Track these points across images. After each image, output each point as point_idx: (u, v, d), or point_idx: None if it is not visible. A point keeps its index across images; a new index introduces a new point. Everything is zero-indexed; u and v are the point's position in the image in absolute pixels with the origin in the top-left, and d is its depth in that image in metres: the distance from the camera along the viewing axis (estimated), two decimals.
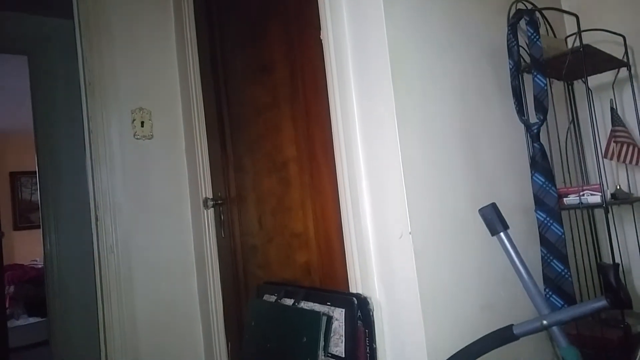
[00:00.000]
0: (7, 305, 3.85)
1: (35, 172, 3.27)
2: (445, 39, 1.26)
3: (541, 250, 1.20)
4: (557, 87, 1.56)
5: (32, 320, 4.18)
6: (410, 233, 1.07)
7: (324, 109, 1.33)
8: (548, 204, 1.18)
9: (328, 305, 1.21)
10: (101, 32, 1.89)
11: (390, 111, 1.10)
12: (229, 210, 1.80)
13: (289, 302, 1.37)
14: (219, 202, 1.83)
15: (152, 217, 1.92)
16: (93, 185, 1.83)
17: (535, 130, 1.24)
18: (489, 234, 0.95)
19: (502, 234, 0.87)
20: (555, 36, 1.54)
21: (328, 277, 1.38)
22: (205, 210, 1.87)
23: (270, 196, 1.61)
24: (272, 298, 1.50)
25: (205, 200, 1.84)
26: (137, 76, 1.95)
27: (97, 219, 1.83)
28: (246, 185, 1.73)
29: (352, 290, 1.20)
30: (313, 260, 1.44)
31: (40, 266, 4.64)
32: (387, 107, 1.11)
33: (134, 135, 1.91)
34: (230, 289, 1.82)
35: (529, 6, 1.39)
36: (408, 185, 1.08)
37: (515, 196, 1.35)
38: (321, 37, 1.32)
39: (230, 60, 1.79)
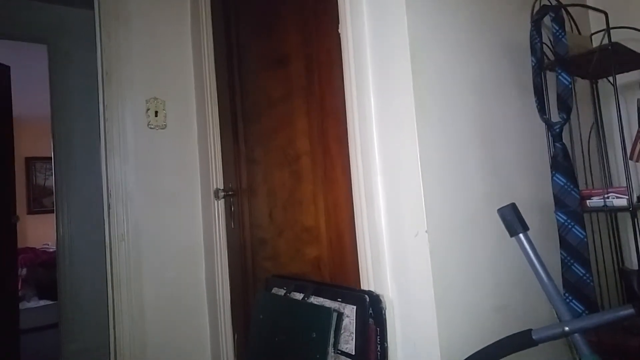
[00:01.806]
0: (19, 288, 3.91)
1: (50, 157, 3.30)
2: (465, 35, 1.23)
3: (561, 253, 1.17)
4: (580, 86, 1.52)
5: (42, 303, 4.25)
6: (426, 231, 1.05)
7: (339, 103, 1.30)
8: (569, 205, 1.14)
9: (339, 301, 1.19)
10: (119, 22, 1.89)
11: (409, 107, 1.07)
12: (240, 202, 1.79)
13: (298, 296, 1.36)
14: (230, 193, 1.82)
15: (163, 206, 1.92)
16: (106, 173, 1.83)
17: (558, 130, 1.20)
18: (505, 234, 0.92)
19: (521, 235, 0.84)
20: (580, 33, 1.50)
21: (338, 273, 1.37)
22: (215, 201, 1.86)
23: (282, 189, 1.59)
24: (281, 291, 1.49)
25: (217, 191, 1.83)
26: (152, 66, 1.95)
27: (109, 207, 1.83)
28: (257, 178, 1.72)
29: (364, 287, 1.18)
30: (323, 255, 1.43)
31: (51, 250, 4.70)
32: (406, 102, 1.08)
33: (148, 124, 1.90)
34: (238, 280, 1.81)
35: (554, 2, 1.35)
36: (425, 183, 1.06)
37: (533, 196, 1.32)
38: (339, 31, 1.29)
39: (245, 51, 1.77)
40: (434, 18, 1.15)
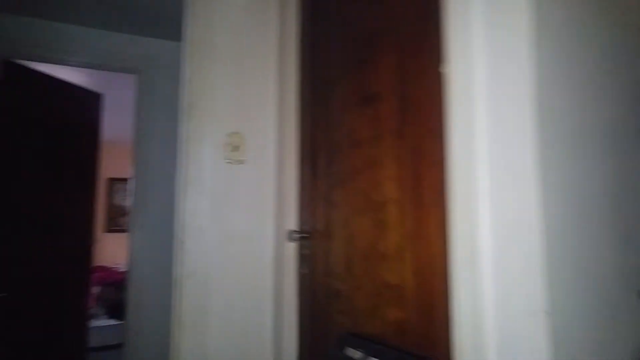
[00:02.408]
0: (91, 306, 4.04)
1: (126, 179, 3.43)
2: (600, 79, 1.05)
3: None
4: None
5: (111, 322, 4.35)
6: (546, 312, 0.86)
7: (437, 149, 1.16)
8: None
9: None
10: (206, 55, 1.89)
11: (530, 164, 0.91)
12: (314, 246, 1.68)
13: None
14: (304, 235, 1.71)
15: (234, 244, 1.84)
16: (181, 207, 1.80)
17: None
18: None
19: None
20: None
21: (426, 344, 1.19)
22: (288, 243, 1.76)
23: (363, 238, 1.45)
24: (357, 354, 1.34)
25: (290, 233, 1.73)
26: (235, 99, 1.92)
27: (181, 242, 1.79)
28: (335, 222, 1.60)
29: None
30: (408, 319, 1.26)
31: (122, 270, 4.86)
32: (526, 158, 0.92)
33: (226, 159, 1.86)
34: (307, 330, 1.68)
35: None
36: (548, 249, 0.88)
37: None
38: (443, 71, 1.16)
39: (331, 88, 1.69)
40: (564, 53, 0.99)
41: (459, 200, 1.05)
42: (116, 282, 4.63)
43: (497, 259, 0.97)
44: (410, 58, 1.33)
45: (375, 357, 1.27)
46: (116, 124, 4.61)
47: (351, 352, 1.36)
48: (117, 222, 6.06)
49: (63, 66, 3.30)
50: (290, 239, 1.73)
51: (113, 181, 6.11)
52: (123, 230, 5.55)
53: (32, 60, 3.07)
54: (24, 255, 2.90)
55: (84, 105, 3.56)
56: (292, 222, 1.77)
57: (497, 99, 1.01)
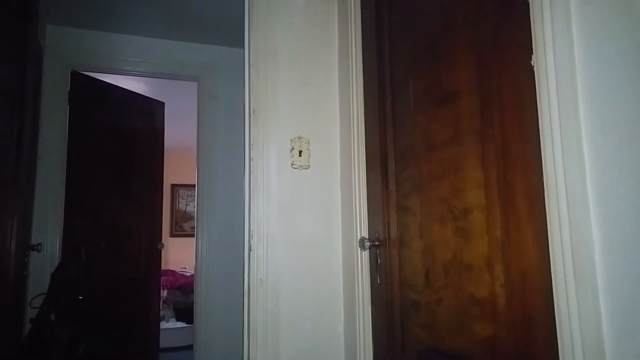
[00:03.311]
0: (160, 309, 4.19)
1: (191, 185, 3.51)
2: None
3: None
4: None
5: (179, 324, 4.49)
6: None
7: (530, 149, 1.04)
8: None
9: None
10: (268, 60, 1.86)
11: None
12: (388, 255, 1.59)
13: None
14: (377, 243, 1.63)
15: (303, 252, 1.80)
16: (249, 213, 1.78)
17: None
18: None
19: None
20: None
21: None
22: (360, 251, 1.69)
23: (443, 248, 1.35)
24: None
25: (362, 240, 1.66)
26: (297, 104, 1.89)
27: (250, 249, 1.77)
28: (411, 230, 1.50)
29: None
30: (500, 336, 1.14)
31: (189, 274, 5.01)
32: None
33: (292, 164, 1.82)
34: (383, 344, 1.60)
35: None
36: None
37: None
38: (532, 63, 1.04)
39: (400, 88, 1.60)
40: None
41: (561, 210, 0.94)
42: (183, 286, 4.77)
43: (614, 274, 0.85)
44: (490, 51, 1.22)
45: None
46: (177, 132, 4.77)
47: None
48: (182, 226, 6.28)
49: (125, 76, 3.44)
50: (362, 246, 1.66)
51: (176, 187, 6.33)
52: (188, 235, 5.74)
53: (97, 71, 3.22)
54: (95, 259, 3.03)
55: (148, 114, 3.69)
56: (362, 229, 1.70)
57: (598, 93, 0.88)
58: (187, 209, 6.23)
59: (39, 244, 2.66)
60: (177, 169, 6.11)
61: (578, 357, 0.88)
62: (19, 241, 2.07)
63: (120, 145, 3.40)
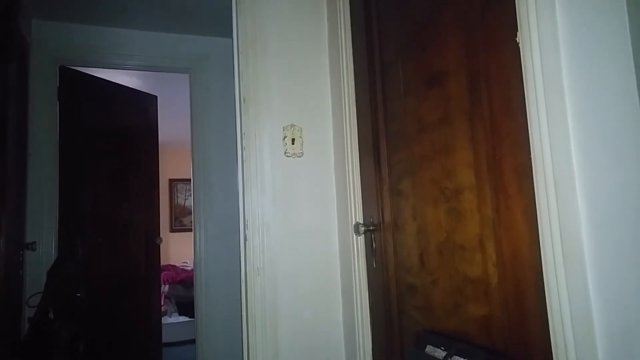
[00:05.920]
0: (162, 304, 4.21)
1: (188, 179, 3.50)
2: None
3: None
4: None
5: (182, 319, 4.52)
6: None
7: (518, 127, 1.04)
8: None
9: None
10: (257, 48, 1.85)
11: (633, 132, 0.78)
12: (383, 239, 1.60)
13: None
14: (371, 228, 1.64)
15: (299, 240, 1.81)
16: (244, 203, 1.78)
17: None
18: None
19: None
20: None
21: (517, 342, 1.08)
22: (355, 237, 1.69)
23: (436, 229, 1.36)
24: (438, 353, 1.25)
25: (357, 226, 1.66)
26: (289, 91, 1.88)
27: (245, 239, 1.77)
28: (404, 213, 1.51)
29: None
30: (494, 315, 1.15)
31: (189, 268, 5.03)
32: (625, 126, 0.79)
33: (285, 152, 1.82)
34: (381, 327, 1.61)
35: None
36: None
37: None
38: (517, 40, 1.04)
39: (390, 72, 1.59)
40: None
41: (549, 187, 0.94)
42: (184, 280, 4.79)
43: (601, 249, 0.85)
44: (477, 31, 1.21)
45: (460, 356, 1.18)
46: (173, 126, 4.75)
47: (432, 350, 1.28)
48: (181, 221, 6.29)
49: (117, 70, 3.41)
50: (357, 232, 1.66)
51: (174, 182, 6.33)
52: (188, 230, 5.75)
53: (86, 65, 3.18)
54: (92, 255, 3.03)
55: (140, 107, 3.67)
56: (357, 214, 1.71)
57: (584, 68, 0.88)
58: (185, 204, 6.24)
59: (34, 243, 2.65)
60: (175, 163, 6.10)
61: (567, 330, 0.89)
62: (10, 240, 2.05)
63: (114, 140, 3.39)
